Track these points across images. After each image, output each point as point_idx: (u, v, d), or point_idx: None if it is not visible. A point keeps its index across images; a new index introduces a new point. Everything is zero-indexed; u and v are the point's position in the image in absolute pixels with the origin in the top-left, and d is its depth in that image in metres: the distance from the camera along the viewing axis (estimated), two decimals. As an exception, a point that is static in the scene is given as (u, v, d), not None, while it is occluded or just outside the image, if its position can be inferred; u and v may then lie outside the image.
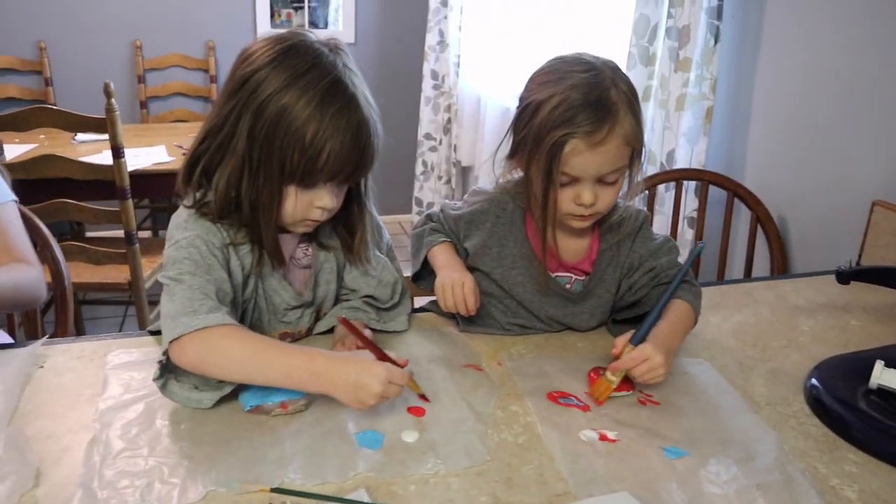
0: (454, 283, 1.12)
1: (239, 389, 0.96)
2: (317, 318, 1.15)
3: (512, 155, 1.13)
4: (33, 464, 0.85)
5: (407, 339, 1.16)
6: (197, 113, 3.92)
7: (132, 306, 3.27)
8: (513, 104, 2.94)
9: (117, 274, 2.49)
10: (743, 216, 1.83)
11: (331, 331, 1.15)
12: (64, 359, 1.09)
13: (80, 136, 2.94)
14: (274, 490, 0.80)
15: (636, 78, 1.96)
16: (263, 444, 0.89)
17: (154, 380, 0.94)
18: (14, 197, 1.30)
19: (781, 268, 1.73)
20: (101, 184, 2.35)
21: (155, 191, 2.84)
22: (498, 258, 1.17)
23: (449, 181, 3.59)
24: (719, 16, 1.80)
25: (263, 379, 0.92)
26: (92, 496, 0.80)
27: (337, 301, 1.16)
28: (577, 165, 1.03)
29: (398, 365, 0.93)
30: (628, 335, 1.02)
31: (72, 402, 0.98)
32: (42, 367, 1.07)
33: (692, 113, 1.86)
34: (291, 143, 0.92)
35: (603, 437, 0.93)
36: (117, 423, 0.93)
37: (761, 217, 1.75)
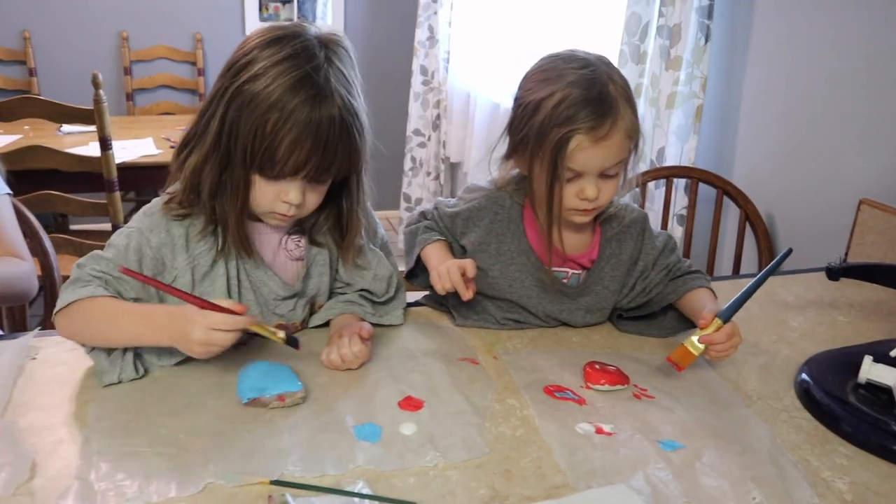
0: (449, 266, 1.10)
1: (237, 382, 0.96)
2: (311, 312, 1.15)
3: (510, 155, 1.14)
4: (29, 455, 0.84)
5: (402, 333, 1.16)
6: (184, 106, 3.89)
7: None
8: (503, 101, 2.96)
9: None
10: (731, 214, 1.85)
11: (327, 324, 1.15)
12: (56, 350, 1.08)
13: (66, 128, 2.91)
14: (273, 482, 0.80)
15: (627, 76, 1.95)
16: (261, 436, 0.89)
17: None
18: (8, 190, 1.29)
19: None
20: (87, 176, 2.33)
21: (142, 183, 2.82)
22: (496, 254, 1.17)
23: (437, 177, 3.60)
24: (710, 15, 1.81)
25: (120, 341, 0.97)
26: (89, 488, 0.79)
27: (332, 294, 1.16)
28: (582, 161, 1.05)
29: (233, 313, 0.92)
30: (714, 309, 1.05)
31: (66, 393, 0.97)
32: (34, 358, 1.06)
33: (682, 111, 1.88)
34: (254, 130, 0.92)
35: (599, 431, 0.93)
36: (112, 414, 0.92)
37: (750, 215, 1.77)
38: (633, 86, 1.94)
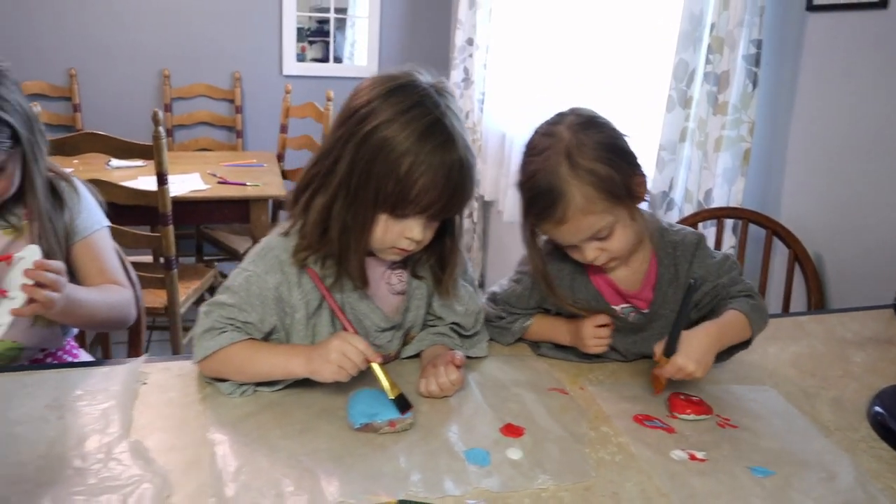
0: (587, 328, 1.20)
1: (346, 408, 1.02)
2: (405, 342, 1.21)
3: (522, 224, 1.21)
4: (164, 473, 0.90)
5: (489, 365, 1.22)
6: (221, 142, 4.00)
7: (157, 331, 3.32)
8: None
9: (153, 298, 2.53)
10: (780, 253, 1.91)
11: (417, 355, 1.21)
12: (165, 376, 1.14)
13: (114, 162, 3.00)
14: (401, 502, 0.86)
15: (674, 120, 2.05)
16: (377, 459, 0.94)
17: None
18: (108, 223, 1.36)
19: (818, 304, 1.80)
20: (132, 209, 2.40)
21: (191, 217, 2.89)
22: (573, 305, 1.23)
23: (471, 215, 3.67)
24: (757, 62, 1.89)
25: (259, 375, 1.08)
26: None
27: (423, 326, 1.22)
28: (558, 238, 1.15)
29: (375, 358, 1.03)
30: (662, 344, 1.11)
31: (183, 416, 1.03)
32: (145, 384, 1.12)
33: (730, 154, 1.95)
34: (388, 173, 0.99)
35: (693, 457, 0.99)
36: (231, 437, 0.98)
37: (799, 255, 1.83)
38: (679, 129, 2.03)
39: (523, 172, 1.14)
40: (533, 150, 1.13)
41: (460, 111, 1.06)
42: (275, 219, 3.44)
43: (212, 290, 3.02)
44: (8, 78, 1.16)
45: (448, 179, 1.00)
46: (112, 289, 1.30)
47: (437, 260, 1.15)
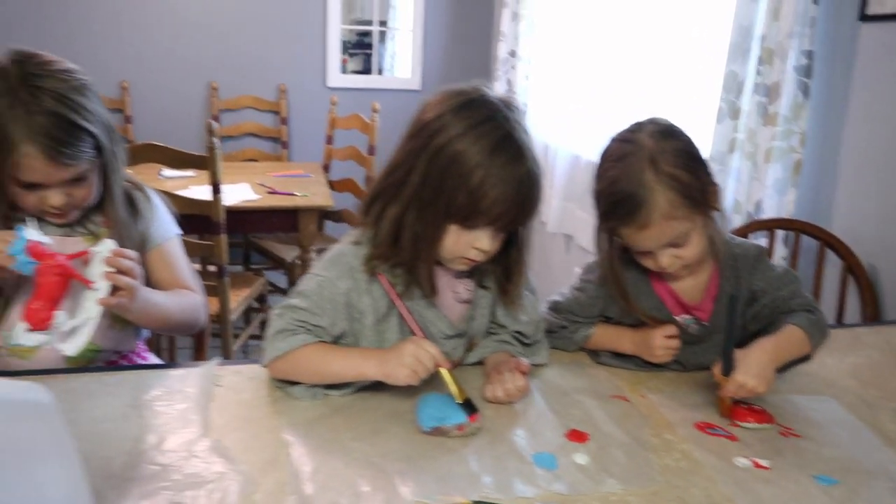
0: (655, 338, 1.22)
1: (415, 411, 1.06)
2: (468, 349, 1.24)
3: (598, 231, 1.23)
4: (246, 471, 0.94)
5: (549, 372, 1.25)
6: (267, 153, 4.08)
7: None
8: (582, 152, 3.05)
9: (204, 305, 2.58)
10: (832, 265, 1.90)
11: (480, 362, 1.24)
12: (238, 379, 1.18)
13: (166, 172, 3.08)
14: (475, 503, 0.88)
15: (724, 131, 2.06)
16: (448, 461, 0.97)
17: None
18: (179, 231, 1.42)
19: (873, 316, 1.79)
20: (185, 218, 2.46)
21: (241, 226, 2.96)
22: (645, 314, 1.25)
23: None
24: (809, 74, 1.89)
25: (330, 377, 1.11)
26: (305, 502, 0.88)
27: (486, 334, 1.25)
28: (637, 244, 1.16)
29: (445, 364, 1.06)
30: (719, 365, 1.12)
31: (256, 417, 1.07)
32: (220, 386, 1.16)
33: (781, 165, 1.95)
34: (459, 185, 1.03)
35: (757, 465, 1.00)
36: (305, 439, 1.02)
37: (852, 266, 1.83)
38: (728, 141, 2.04)
39: (603, 179, 1.16)
40: (612, 156, 1.15)
41: (528, 125, 1.09)
42: (321, 228, 3.50)
43: (260, 298, 3.08)
44: (91, 90, 1.22)
45: (518, 192, 1.03)
46: (184, 293, 1.35)
47: (503, 271, 1.18)
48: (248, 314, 3.12)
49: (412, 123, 1.09)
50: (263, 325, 3.08)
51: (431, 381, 1.13)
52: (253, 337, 3.06)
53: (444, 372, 1.06)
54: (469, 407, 1.05)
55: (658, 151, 1.11)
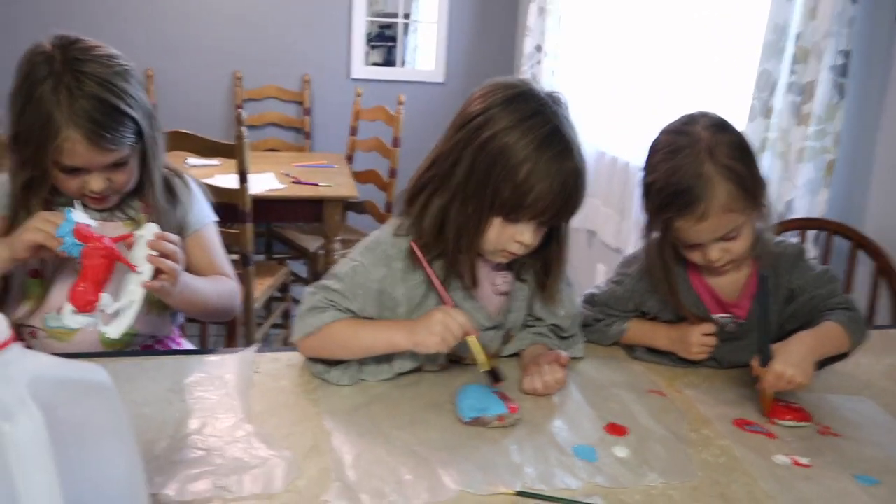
0: (693, 335, 1.22)
1: (455, 402, 1.06)
2: (505, 341, 1.24)
3: (648, 224, 1.23)
4: (290, 456, 0.94)
5: (586, 365, 1.25)
6: (289, 143, 4.09)
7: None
8: (607, 148, 3.05)
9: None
10: (864, 266, 1.89)
11: (516, 354, 1.25)
12: (276, 366, 1.19)
13: (191, 160, 3.09)
14: (518, 493, 0.89)
15: (755, 130, 2.04)
16: (490, 451, 0.98)
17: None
18: (216, 218, 1.43)
19: (904, 317, 1.78)
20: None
21: (265, 215, 2.97)
22: (674, 310, 1.26)
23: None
24: (845, 73, 1.88)
25: (360, 350, 1.12)
26: (349, 489, 0.88)
27: (523, 327, 1.25)
28: (692, 236, 1.15)
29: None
30: (757, 358, 1.12)
31: (296, 404, 1.08)
32: (258, 372, 1.17)
33: (813, 165, 1.94)
34: (505, 178, 1.03)
35: (796, 463, 1.00)
36: (346, 427, 1.02)
37: (883, 268, 1.81)
38: (759, 140, 2.02)
39: (657, 170, 1.15)
40: (666, 149, 1.15)
41: (573, 121, 1.09)
42: (343, 219, 3.51)
43: (283, 287, 3.10)
44: (133, 76, 1.23)
45: (564, 187, 1.03)
46: (221, 279, 1.36)
47: (543, 265, 1.18)
48: (269, 303, 3.14)
49: (458, 115, 1.09)
50: (286, 314, 3.10)
51: (472, 372, 1.14)
52: (275, 326, 3.07)
53: (473, 340, 1.07)
54: (494, 375, 1.06)
55: (715, 143, 1.11)
